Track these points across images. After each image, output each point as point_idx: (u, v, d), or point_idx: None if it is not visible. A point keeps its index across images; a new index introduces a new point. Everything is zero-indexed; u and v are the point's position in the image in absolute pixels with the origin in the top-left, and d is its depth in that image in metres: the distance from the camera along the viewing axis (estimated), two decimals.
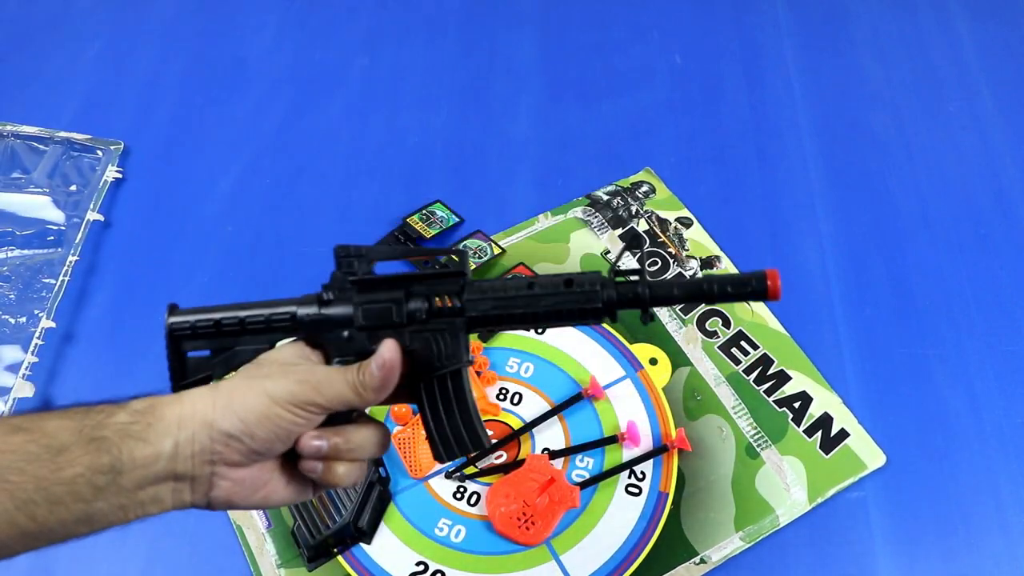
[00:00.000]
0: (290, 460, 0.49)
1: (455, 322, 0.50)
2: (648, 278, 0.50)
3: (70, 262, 0.90)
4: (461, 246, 0.92)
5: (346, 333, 0.51)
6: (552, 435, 0.81)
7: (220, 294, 0.91)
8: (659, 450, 0.79)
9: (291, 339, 0.52)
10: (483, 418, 0.80)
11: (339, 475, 0.49)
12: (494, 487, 0.77)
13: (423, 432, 0.53)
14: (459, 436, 0.52)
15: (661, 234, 0.94)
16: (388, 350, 0.48)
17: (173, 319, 0.52)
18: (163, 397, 0.48)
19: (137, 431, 0.45)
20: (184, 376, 0.53)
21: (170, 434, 0.46)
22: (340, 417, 0.50)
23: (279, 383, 0.47)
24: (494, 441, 0.80)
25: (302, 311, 0.52)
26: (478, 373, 0.83)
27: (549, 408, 0.82)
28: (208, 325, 0.52)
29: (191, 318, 0.52)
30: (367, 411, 0.52)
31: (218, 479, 0.47)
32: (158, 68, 1.12)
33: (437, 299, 0.50)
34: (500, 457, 0.79)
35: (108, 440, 0.44)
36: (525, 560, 0.75)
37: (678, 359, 0.85)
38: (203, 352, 0.53)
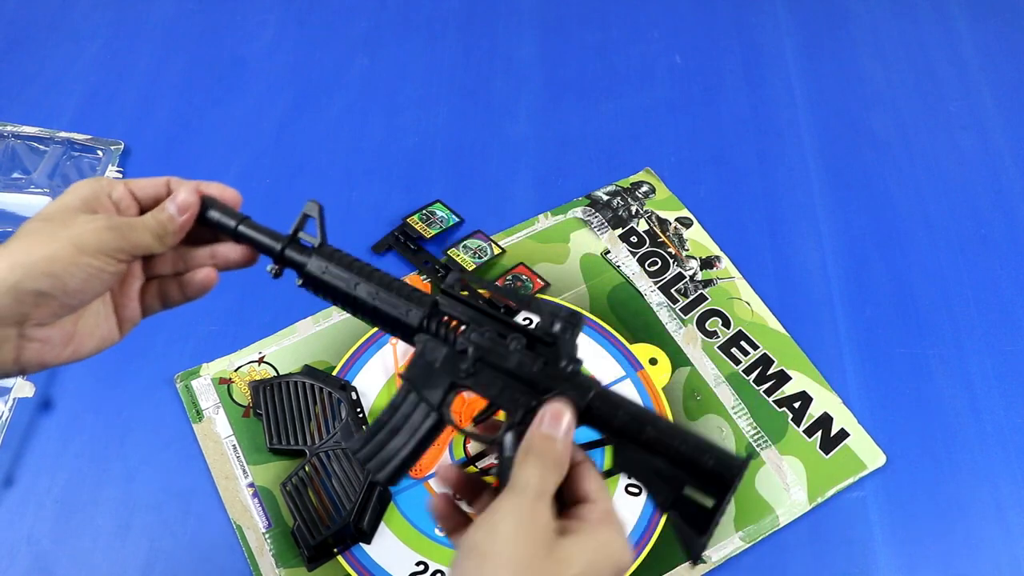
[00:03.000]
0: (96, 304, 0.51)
1: None
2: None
3: None
4: (461, 246, 0.91)
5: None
6: None
7: (220, 294, 0.91)
8: None
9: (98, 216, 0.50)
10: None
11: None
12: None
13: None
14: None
15: (661, 234, 0.94)
16: (187, 193, 0.52)
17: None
18: None
19: None
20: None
21: None
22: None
23: (85, 233, 0.47)
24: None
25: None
26: None
27: None
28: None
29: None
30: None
31: (26, 341, 0.47)
32: (158, 68, 1.12)
33: None
34: None
35: None
36: None
37: (678, 359, 0.85)
38: None
